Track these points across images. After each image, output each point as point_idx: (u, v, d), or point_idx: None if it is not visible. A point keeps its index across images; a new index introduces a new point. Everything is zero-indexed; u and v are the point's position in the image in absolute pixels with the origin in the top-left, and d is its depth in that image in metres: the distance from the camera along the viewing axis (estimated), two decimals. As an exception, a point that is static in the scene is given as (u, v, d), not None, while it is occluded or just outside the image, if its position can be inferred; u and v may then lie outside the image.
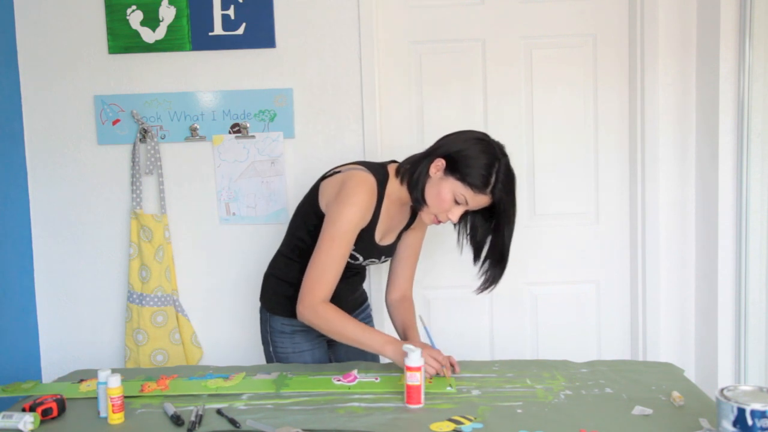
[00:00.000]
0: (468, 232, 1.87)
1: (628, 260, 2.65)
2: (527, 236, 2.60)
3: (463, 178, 1.72)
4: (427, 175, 1.77)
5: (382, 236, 1.90)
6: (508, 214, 1.78)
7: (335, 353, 2.07)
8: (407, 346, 1.60)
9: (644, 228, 2.55)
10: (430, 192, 1.76)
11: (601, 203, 2.63)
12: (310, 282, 1.76)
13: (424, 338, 1.91)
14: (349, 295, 2.00)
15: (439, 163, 1.75)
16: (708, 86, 2.41)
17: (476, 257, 1.87)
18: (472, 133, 1.80)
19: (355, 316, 2.02)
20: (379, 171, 1.84)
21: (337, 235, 1.75)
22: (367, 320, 2.13)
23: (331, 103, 2.51)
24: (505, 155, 1.75)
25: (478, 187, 1.71)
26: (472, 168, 1.71)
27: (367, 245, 1.86)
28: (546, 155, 2.59)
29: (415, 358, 1.57)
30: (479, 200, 1.74)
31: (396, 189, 1.84)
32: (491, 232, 1.82)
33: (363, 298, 2.13)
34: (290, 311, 1.89)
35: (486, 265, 1.86)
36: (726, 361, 2.42)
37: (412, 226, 1.99)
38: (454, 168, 1.73)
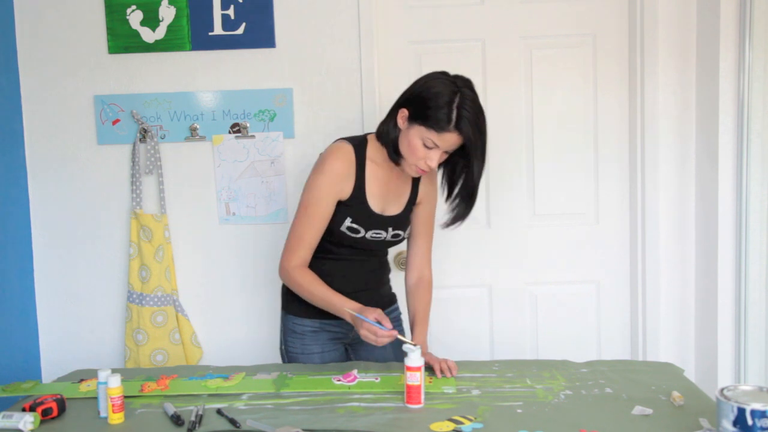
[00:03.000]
0: (444, 169, 1.86)
1: (628, 260, 2.65)
2: (527, 236, 2.60)
3: (425, 121, 1.69)
4: (396, 128, 1.77)
5: (383, 205, 1.88)
6: (476, 149, 1.72)
7: (356, 353, 2.04)
8: (407, 347, 1.60)
9: (644, 228, 2.55)
10: (402, 144, 1.76)
11: (601, 203, 2.63)
12: (286, 249, 1.84)
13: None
14: (370, 281, 1.97)
15: (403, 113, 1.74)
16: (708, 86, 2.41)
17: (448, 195, 1.86)
18: (430, 75, 1.76)
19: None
20: (356, 138, 1.86)
21: (309, 203, 1.80)
22: (396, 323, 2.06)
23: (331, 103, 2.51)
24: (468, 88, 1.70)
25: (441, 126, 1.67)
26: (431, 109, 1.68)
27: (363, 215, 1.84)
28: (546, 155, 2.59)
29: (414, 358, 1.57)
30: (448, 139, 1.70)
31: (380, 152, 1.84)
32: (464, 169, 1.79)
33: (390, 298, 2.08)
34: (301, 310, 1.91)
35: (456, 201, 1.85)
36: (726, 361, 2.42)
37: (418, 200, 1.96)
38: (416, 114, 1.71)
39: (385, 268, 2.05)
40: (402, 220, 1.92)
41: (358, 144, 1.84)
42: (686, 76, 2.49)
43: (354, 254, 1.91)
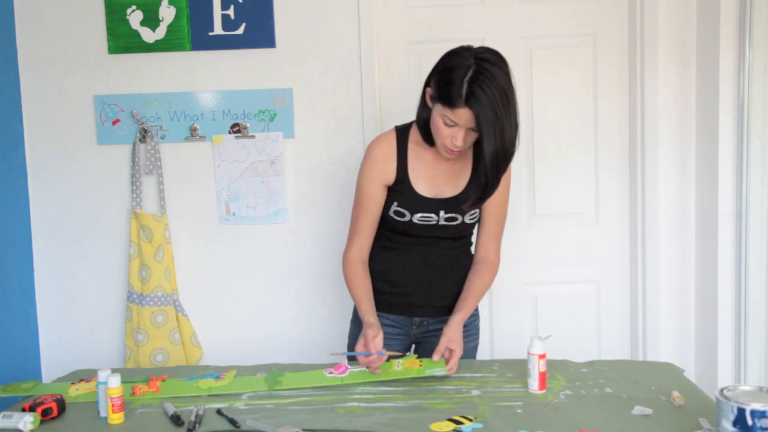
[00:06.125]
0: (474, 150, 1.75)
1: (628, 260, 2.65)
2: (527, 236, 2.60)
3: (440, 98, 1.62)
4: (427, 108, 1.71)
5: (434, 188, 1.80)
6: (487, 126, 1.58)
7: (425, 352, 1.89)
8: (535, 338, 1.63)
9: (644, 228, 2.55)
10: (431, 124, 1.70)
11: (601, 203, 2.63)
12: (347, 238, 1.87)
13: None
14: (437, 276, 1.87)
15: (429, 92, 1.69)
16: (708, 86, 2.41)
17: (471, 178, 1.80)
18: (452, 50, 1.67)
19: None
20: (406, 124, 1.84)
21: (357, 191, 1.83)
22: (473, 331, 2.00)
23: (331, 103, 2.51)
24: (489, 62, 1.58)
25: (453, 102, 1.59)
26: (442, 84, 1.62)
27: (408, 198, 1.79)
28: (546, 155, 2.59)
29: (539, 346, 1.62)
30: (462, 116, 1.60)
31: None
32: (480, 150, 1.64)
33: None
34: None
35: (473, 186, 1.76)
36: (726, 361, 2.42)
37: None
38: (435, 91, 1.65)
39: (461, 263, 1.91)
40: (458, 203, 1.79)
41: (403, 128, 1.82)
42: (686, 76, 2.49)
43: (414, 243, 1.85)
